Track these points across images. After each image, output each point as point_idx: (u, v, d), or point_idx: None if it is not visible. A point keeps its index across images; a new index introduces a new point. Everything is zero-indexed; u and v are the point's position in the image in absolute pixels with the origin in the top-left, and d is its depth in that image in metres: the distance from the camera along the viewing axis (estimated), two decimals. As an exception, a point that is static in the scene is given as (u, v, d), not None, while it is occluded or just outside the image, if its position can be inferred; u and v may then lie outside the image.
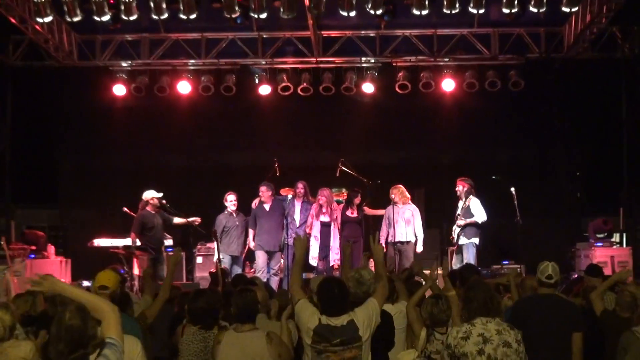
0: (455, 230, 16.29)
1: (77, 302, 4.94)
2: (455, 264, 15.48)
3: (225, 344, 7.03)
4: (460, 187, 16.43)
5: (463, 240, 16.15)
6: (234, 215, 16.63)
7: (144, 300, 9.26)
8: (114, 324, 4.97)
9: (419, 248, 16.49)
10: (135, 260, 15.86)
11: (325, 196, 16.51)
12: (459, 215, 16.26)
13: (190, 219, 16.81)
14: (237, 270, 16.23)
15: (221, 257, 15.67)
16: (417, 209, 16.64)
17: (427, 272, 10.16)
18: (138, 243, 15.96)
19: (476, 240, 16.17)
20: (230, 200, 16.53)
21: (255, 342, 6.99)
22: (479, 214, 16.16)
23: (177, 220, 16.81)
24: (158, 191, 16.34)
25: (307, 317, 6.87)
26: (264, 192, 16.59)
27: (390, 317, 7.91)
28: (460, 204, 16.41)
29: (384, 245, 15.90)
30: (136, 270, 15.80)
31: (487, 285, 7.04)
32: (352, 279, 7.49)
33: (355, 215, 16.59)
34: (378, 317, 7.07)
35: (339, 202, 17.15)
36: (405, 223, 16.21)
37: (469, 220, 16.12)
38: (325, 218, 16.51)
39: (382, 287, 7.35)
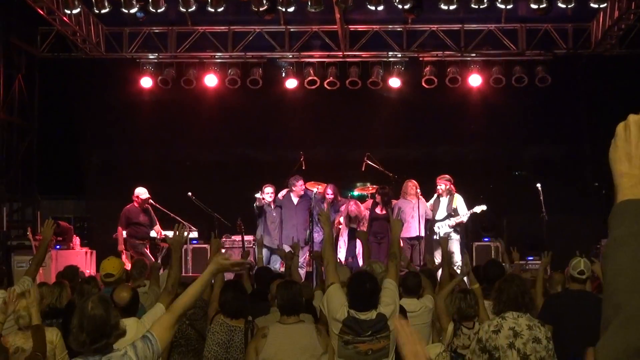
0: (441, 227, 16.15)
1: (100, 293, 4.94)
2: (437, 257, 15.25)
3: (272, 337, 6.91)
4: (443, 186, 16.23)
5: (453, 236, 15.96)
6: (272, 206, 16.57)
7: (152, 291, 9.33)
8: (165, 325, 4.99)
9: None
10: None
11: (357, 205, 16.40)
12: (450, 215, 16.12)
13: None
14: (276, 262, 16.12)
15: (248, 248, 15.69)
16: (425, 203, 16.53)
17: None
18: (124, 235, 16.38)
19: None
20: (267, 192, 16.43)
21: (304, 333, 6.96)
22: (465, 214, 16.13)
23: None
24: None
25: (336, 306, 6.85)
26: (301, 186, 16.44)
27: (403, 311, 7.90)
28: (444, 202, 16.28)
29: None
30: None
31: (523, 280, 7.02)
32: None
33: (384, 212, 16.42)
34: (397, 297, 7.10)
35: (364, 197, 17.00)
36: (420, 218, 16.09)
37: (458, 221, 16.04)
38: (353, 225, 16.36)
39: (394, 267, 7.35)
